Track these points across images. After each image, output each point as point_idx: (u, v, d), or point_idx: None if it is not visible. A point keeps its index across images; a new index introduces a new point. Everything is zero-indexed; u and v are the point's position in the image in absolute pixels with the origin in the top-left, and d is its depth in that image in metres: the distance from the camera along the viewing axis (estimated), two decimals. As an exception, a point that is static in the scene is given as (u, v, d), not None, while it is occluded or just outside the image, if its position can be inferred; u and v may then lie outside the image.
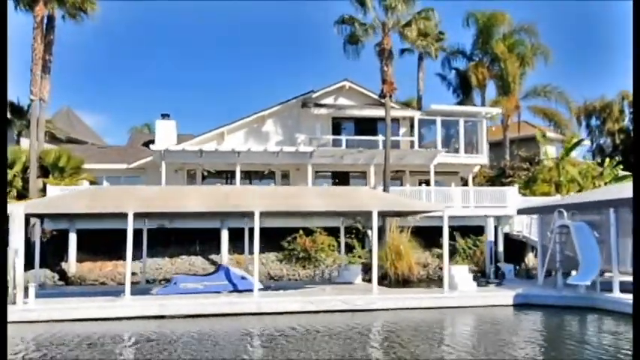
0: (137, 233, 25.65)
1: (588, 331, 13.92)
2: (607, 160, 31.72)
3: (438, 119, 31.61)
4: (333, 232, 27.56)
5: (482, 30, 37.58)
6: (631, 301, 14.79)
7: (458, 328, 14.18)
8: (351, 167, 30.54)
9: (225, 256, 26.45)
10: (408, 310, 16.23)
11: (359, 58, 28.20)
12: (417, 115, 31.76)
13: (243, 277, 17.71)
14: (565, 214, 18.07)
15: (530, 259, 27.36)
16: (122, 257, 27.14)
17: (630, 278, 16.14)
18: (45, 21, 28.45)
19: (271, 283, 23.70)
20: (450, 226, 28.21)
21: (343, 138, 30.50)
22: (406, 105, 42.04)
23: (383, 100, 27.44)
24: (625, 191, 17.80)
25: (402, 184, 31.94)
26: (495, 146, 39.27)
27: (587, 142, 47.48)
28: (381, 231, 26.85)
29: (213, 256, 27.02)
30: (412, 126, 32.11)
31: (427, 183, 33.76)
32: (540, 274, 19.76)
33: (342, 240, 23.40)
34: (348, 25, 26.89)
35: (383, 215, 21.00)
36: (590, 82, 79.51)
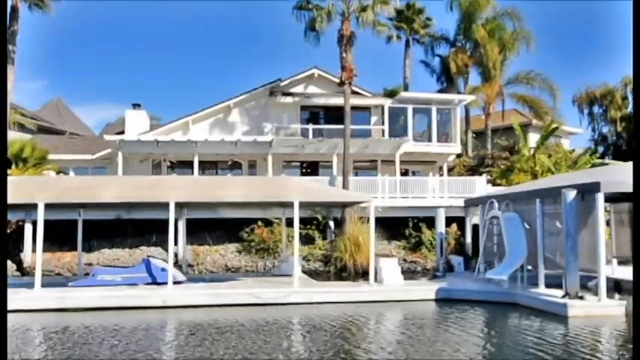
0: (94, 224, 25.95)
1: (485, 327, 13.13)
2: (587, 149, 30.40)
3: (409, 107, 30.78)
4: (292, 223, 27.08)
5: (465, 15, 36.49)
6: (549, 298, 14.08)
7: (354, 324, 13.48)
8: (320, 157, 29.93)
9: (181, 248, 26.20)
10: (323, 305, 15.65)
11: (319, 45, 27.55)
12: (387, 103, 30.92)
13: (163, 270, 17.30)
14: (496, 204, 17.26)
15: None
16: (83, 248, 27.40)
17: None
18: (8, 11, 28.37)
19: (215, 275, 23.48)
20: (415, 217, 27.98)
21: (310, 127, 29.89)
22: (393, 92, 41.29)
23: (343, 88, 26.73)
24: (555, 181, 16.97)
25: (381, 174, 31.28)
26: (480, 135, 38.26)
27: (579, 130, 46.01)
28: (341, 222, 26.37)
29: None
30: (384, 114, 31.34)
31: (405, 172, 33.13)
32: (481, 266, 18.97)
33: (284, 231, 22.84)
34: (306, 11, 26.22)
35: (313, 205, 20.42)
36: (593, 69, 77.59)
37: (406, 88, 40.32)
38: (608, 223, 21.05)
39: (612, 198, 19.52)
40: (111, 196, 16.05)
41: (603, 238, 13.17)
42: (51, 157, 30.11)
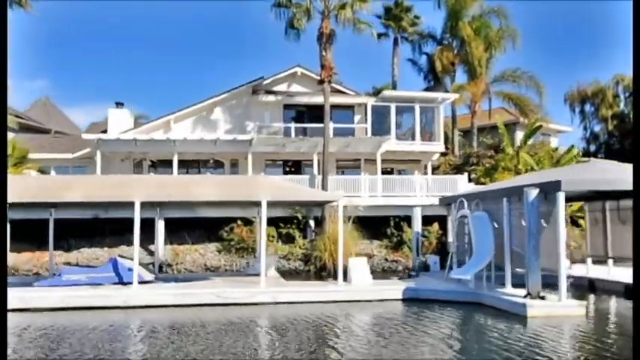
0: (73, 223, 25.79)
1: (438, 328, 12.92)
2: (570, 147, 30.16)
3: (392, 106, 30.60)
4: (273, 222, 26.98)
5: (451, 12, 36.30)
6: (510, 298, 13.90)
7: (312, 324, 13.32)
8: (302, 156, 29.76)
9: (160, 247, 26.11)
10: (288, 305, 15.52)
11: (302, 43, 27.36)
12: (370, 101, 30.77)
13: (130, 269, 17.14)
14: (465, 203, 17.12)
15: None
16: (61, 247, 27.30)
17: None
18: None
19: (190, 274, 23.38)
20: (397, 216, 27.82)
21: (292, 126, 29.75)
22: (379, 92, 41.22)
23: (322, 86, 26.61)
24: (524, 179, 16.85)
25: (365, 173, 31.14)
26: (468, 133, 38.09)
27: (568, 129, 45.80)
28: (322, 221, 26.23)
29: (152, 247, 26.71)
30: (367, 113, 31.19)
31: (390, 171, 32.99)
32: (454, 265, 18.83)
33: (258, 229, 22.70)
34: (285, 8, 26.05)
35: (283, 205, 20.30)
36: (586, 67, 77.42)
37: (395, 87, 40.30)
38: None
39: (587, 197, 19.41)
40: (77, 196, 15.92)
41: (564, 237, 13.01)
42: (33, 156, 30.02)
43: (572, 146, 29.29)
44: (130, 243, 26.81)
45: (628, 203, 17.78)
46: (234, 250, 26.47)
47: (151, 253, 26.54)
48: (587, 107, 51.72)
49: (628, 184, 12.88)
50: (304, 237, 27.05)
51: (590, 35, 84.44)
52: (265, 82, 30.56)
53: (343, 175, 30.84)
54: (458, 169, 33.45)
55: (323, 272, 24.54)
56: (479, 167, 31.79)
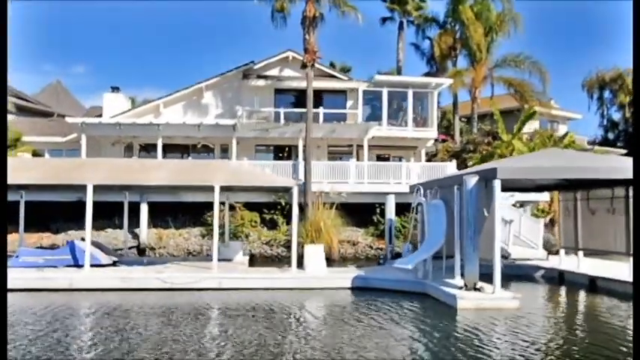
0: (60, 205, 26.12)
1: (359, 318, 12.52)
2: (565, 134, 29.19)
3: (385, 91, 30.02)
4: (257, 207, 26.90)
5: (454, -5, 35.37)
6: (448, 289, 13.44)
7: (239, 311, 13.11)
8: (291, 141, 29.47)
9: (144, 230, 26.30)
10: (232, 291, 15.40)
11: (292, 27, 27.04)
12: (362, 86, 30.25)
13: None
14: (422, 191, 16.65)
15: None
16: (50, 229, 27.70)
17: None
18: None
19: (162, 258, 23.41)
20: (383, 203, 27.30)
21: (281, 110, 29.45)
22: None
23: (313, 70, 26.20)
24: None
25: (358, 159, 30.72)
26: (470, 120, 37.22)
27: (577, 116, 44.35)
28: (304, 207, 25.96)
29: (137, 230, 26.96)
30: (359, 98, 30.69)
31: (387, 158, 32.54)
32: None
33: (239, 214, 22.64)
34: (268, -8, 25.72)
35: (237, 190, 20.12)
36: (607, 54, 74.85)
37: (399, 72, 39.63)
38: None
39: (561, 186, 18.73)
40: (38, 179, 16.06)
41: (500, 226, 12.50)
42: (28, 139, 30.44)
43: (567, 132, 28.33)
44: (115, 226, 27.28)
45: (598, 193, 17.08)
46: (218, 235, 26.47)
47: (136, 236, 26.85)
48: (606, 94, 50.01)
49: (572, 173, 12.34)
50: (288, 223, 26.84)
51: (612, 22, 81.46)
52: (257, 67, 30.30)
53: (340, 160, 30.42)
54: (456, 156, 32.75)
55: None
56: (475, 154, 31.04)
